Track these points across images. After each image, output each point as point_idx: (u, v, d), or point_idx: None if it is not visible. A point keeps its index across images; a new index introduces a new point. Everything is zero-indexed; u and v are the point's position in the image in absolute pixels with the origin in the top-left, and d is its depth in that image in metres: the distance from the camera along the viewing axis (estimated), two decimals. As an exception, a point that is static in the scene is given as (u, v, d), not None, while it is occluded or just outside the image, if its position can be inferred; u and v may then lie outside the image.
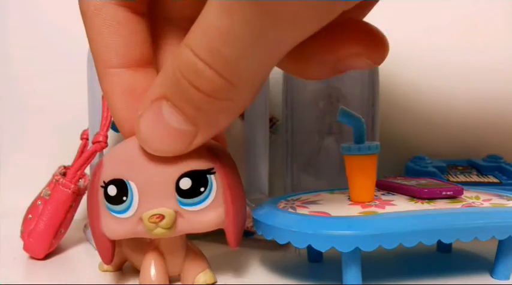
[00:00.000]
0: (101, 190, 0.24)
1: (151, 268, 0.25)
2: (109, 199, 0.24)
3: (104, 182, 0.24)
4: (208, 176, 0.23)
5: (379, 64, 0.23)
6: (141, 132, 0.22)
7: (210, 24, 0.18)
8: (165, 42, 0.26)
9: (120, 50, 0.23)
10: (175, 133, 0.22)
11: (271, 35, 0.18)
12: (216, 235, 0.36)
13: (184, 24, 0.26)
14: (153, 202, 0.23)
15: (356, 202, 0.27)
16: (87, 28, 0.24)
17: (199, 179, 0.23)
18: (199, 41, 0.19)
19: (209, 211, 0.24)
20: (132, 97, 0.24)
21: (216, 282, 0.27)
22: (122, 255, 0.28)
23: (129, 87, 0.24)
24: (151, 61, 0.25)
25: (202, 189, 0.23)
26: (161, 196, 0.23)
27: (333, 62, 0.23)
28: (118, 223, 0.24)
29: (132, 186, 0.23)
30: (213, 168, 0.24)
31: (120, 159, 0.24)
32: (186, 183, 0.23)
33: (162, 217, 0.23)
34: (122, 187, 0.23)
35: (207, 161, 0.23)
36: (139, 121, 0.22)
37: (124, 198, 0.23)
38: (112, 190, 0.23)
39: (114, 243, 0.25)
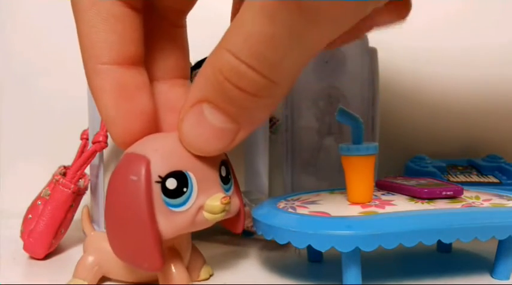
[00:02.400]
0: (157, 186, 0.23)
1: (180, 268, 0.25)
2: (168, 193, 0.23)
3: (160, 176, 0.23)
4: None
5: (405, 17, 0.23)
6: (185, 135, 0.23)
7: (252, 30, 0.19)
8: (155, 37, 0.26)
9: (115, 46, 0.23)
10: (219, 132, 0.22)
11: (311, 35, 0.19)
12: (216, 235, 0.36)
13: (172, 17, 0.26)
14: (210, 190, 0.24)
15: (355, 202, 0.27)
16: (78, 22, 0.23)
17: (228, 167, 0.26)
18: (241, 46, 0.19)
19: (234, 195, 0.26)
20: (123, 95, 0.23)
21: (213, 273, 0.29)
22: (99, 273, 0.27)
23: (121, 84, 0.23)
24: (143, 60, 0.24)
25: (229, 176, 0.26)
26: (214, 183, 0.24)
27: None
28: (175, 218, 0.23)
29: (191, 177, 0.23)
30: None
31: (173, 152, 0.23)
32: (223, 171, 0.25)
33: (228, 198, 0.24)
34: (182, 178, 0.23)
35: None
36: (181, 125, 0.23)
37: (184, 189, 0.23)
38: (172, 184, 0.23)
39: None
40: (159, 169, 0.23)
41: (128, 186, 0.22)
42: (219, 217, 0.24)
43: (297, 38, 0.19)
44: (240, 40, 0.19)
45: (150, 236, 0.22)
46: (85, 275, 0.27)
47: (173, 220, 0.23)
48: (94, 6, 0.22)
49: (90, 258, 0.27)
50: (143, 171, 0.22)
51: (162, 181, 0.23)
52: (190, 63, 0.39)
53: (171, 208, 0.23)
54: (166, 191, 0.23)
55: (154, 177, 0.23)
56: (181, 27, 0.27)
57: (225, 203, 0.24)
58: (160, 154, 0.23)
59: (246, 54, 0.19)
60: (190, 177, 0.23)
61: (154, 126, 0.25)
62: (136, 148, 0.24)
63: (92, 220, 0.38)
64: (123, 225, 0.23)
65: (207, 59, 0.21)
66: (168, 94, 0.26)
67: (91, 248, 0.28)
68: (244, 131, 0.23)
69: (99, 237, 0.28)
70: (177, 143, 0.23)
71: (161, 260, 0.23)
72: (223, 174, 0.25)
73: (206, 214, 0.24)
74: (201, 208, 0.24)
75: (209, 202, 0.24)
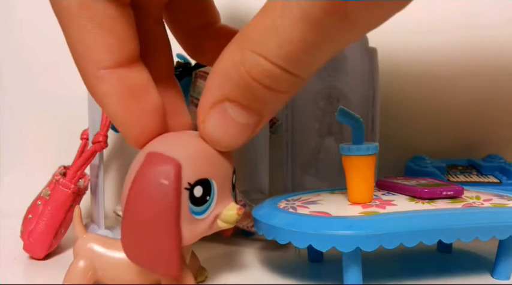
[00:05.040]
0: (185, 193, 0.22)
1: (184, 269, 0.25)
2: (194, 200, 0.23)
3: (190, 183, 0.22)
4: None
5: None
6: (211, 134, 0.23)
7: (291, 37, 0.18)
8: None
9: (115, 49, 0.22)
10: (243, 127, 0.22)
11: (348, 36, 0.19)
12: (216, 236, 0.36)
13: (153, 12, 0.25)
14: (225, 199, 0.24)
15: (356, 202, 0.27)
16: (69, 29, 0.22)
17: (235, 174, 0.26)
18: (276, 51, 0.19)
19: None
20: (133, 97, 0.23)
21: (207, 275, 0.29)
22: (94, 278, 0.26)
23: (129, 86, 0.23)
24: (139, 55, 0.24)
25: (235, 182, 0.26)
26: (228, 191, 0.25)
27: None
28: (196, 225, 0.23)
29: (214, 184, 0.23)
30: None
31: (200, 158, 0.23)
32: (234, 178, 0.25)
33: (243, 209, 0.24)
34: (207, 186, 0.23)
35: None
36: (204, 126, 0.23)
37: (207, 198, 0.23)
38: (198, 191, 0.23)
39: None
40: (189, 175, 0.22)
41: (157, 189, 0.22)
42: (231, 225, 0.24)
43: (336, 41, 0.19)
44: (274, 45, 0.19)
45: (173, 242, 0.22)
46: (78, 280, 0.26)
47: (194, 227, 0.23)
48: (86, 11, 0.21)
49: (84, 263, 0.26)
50: (175, 176, 0.22)
51: (191, 188, 0.23)
52: (190, 63, 0.39)
53: (194, 215, 0.23)
54: (193, 199, 0.23)
55: (184, 183, 0.22)
56: (163, 23, 0.26)
57: (240, 215, 0.24)
58: (191, 159, 0.23)
59: (281, 58, 0.19)
60: (213, 186, 0.23)
61: (165, 121, 0.25)
62: (163, 148, 0.23)
63: (92, 219, 0.38)
64: (144, 228, 0.22)
65: (224, 58, 0.21)
66: (164, 98, 0.25)
67: (84, 251, 0.26)
68: (264, 121, 0.23)
69: (92, 239, 0.26)
70: (202, 148, 0.23)
71: (179, 267, 0.23)
72: (234, 182, 0.25)
73: (220, 223, 0.24)
74: (217, 216, 0.24)
75: (226, 211, 0.24)
